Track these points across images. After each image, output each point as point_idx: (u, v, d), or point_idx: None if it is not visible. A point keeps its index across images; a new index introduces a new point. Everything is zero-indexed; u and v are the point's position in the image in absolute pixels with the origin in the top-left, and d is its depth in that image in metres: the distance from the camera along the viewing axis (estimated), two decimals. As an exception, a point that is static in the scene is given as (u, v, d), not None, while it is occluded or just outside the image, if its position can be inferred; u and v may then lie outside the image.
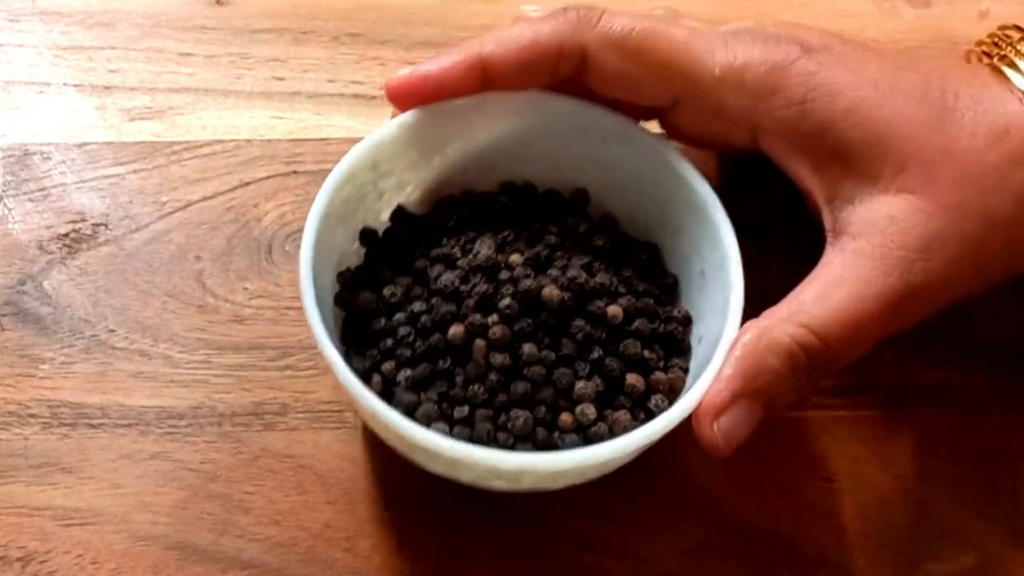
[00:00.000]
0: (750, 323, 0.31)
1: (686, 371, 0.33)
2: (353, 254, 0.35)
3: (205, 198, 0.40)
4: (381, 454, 0.35)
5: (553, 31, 0.34)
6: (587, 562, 0.34)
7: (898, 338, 0.38)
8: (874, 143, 0.32)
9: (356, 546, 0.34)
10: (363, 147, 0.34)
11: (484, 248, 0.33)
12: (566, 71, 0.34)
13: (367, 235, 0.35)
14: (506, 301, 0.32)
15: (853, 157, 0.32)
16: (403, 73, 0.34)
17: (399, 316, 0.33)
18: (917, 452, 0.36)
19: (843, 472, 0.35)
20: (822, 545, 0.34)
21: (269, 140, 0.41)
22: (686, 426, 0.35)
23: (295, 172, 0.40)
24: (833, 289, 0.31)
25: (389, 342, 0.32)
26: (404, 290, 0.33)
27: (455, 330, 0.32)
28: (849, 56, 0.34)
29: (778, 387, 0.30)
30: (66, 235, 0.39)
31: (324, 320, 0.30)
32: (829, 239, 0.33)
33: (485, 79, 0.34)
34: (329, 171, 0.33)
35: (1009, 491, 0.35)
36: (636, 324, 0.33)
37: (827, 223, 0.33)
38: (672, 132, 0.36)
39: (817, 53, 0.33)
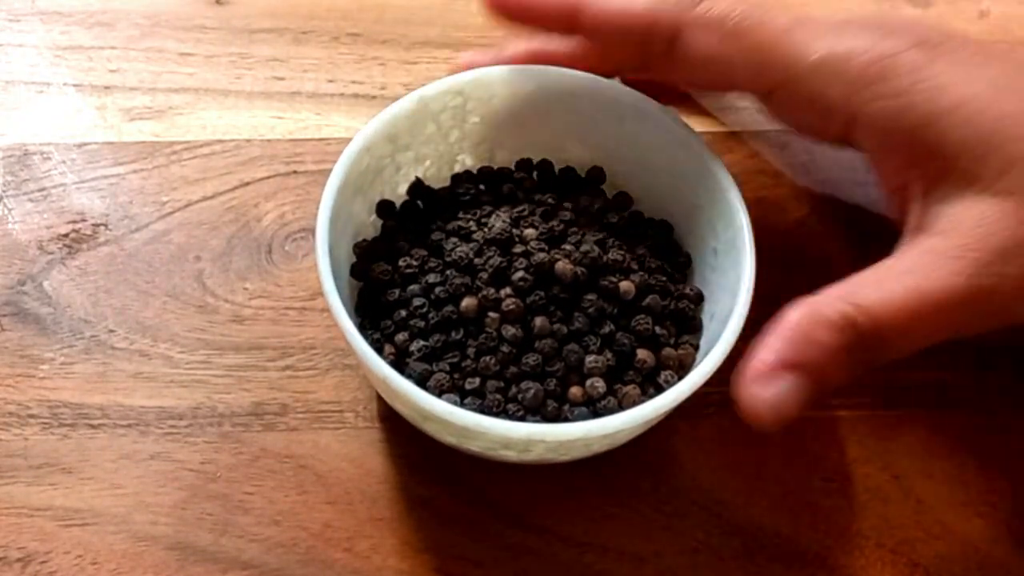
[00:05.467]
0: (800, 299, 0.30)
1: (696, 348, 0.34)
2: (370, 226, 0.36)
3: (205, 198, 0.40)
4: (381, 454, 0.35)
5: (653, 3, 0.33)
6: (587, 562, 0.34)
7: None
8: (979, 142, 0.30)
9: (356, 546, 0.34)
10: (381, 120, 0.34)
11: (499, 222, 0.34)
12: (657, 48, 0.33)
13: (384, 207, 0.36)
14: (519, 274, 0.32)
15: (955, 155, 0.30)
16: None
17: (413, 287, 0.33)
18: (917, 452, 0.36)
19: (843, 472, 0.35)
20: (822, 545, 0.34)
21: (269, 140, 0.41)
22: (687, 427, 0.36)
23: (295, 172, 0.41)
24: (894, 276, 0.30)
25: (403, 313, 0.33)
26: (419, 262, 0.34)
27: (468, 302, 0.32)
28: (967, 53, 0.32)
29: (829, 362, 0.29)
30: (66, 235, 0.39)
31: (339, 291, 0.31)
32: (909, 235, 0.32)
33: (575, 26, 0.33)
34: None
35: (1009, 491, 0.35)
36: (648, 300, 0.33)
37: (912, 220, 0.32)
38: (774, 118, 0.35)
39: (933, 47, 0.31)
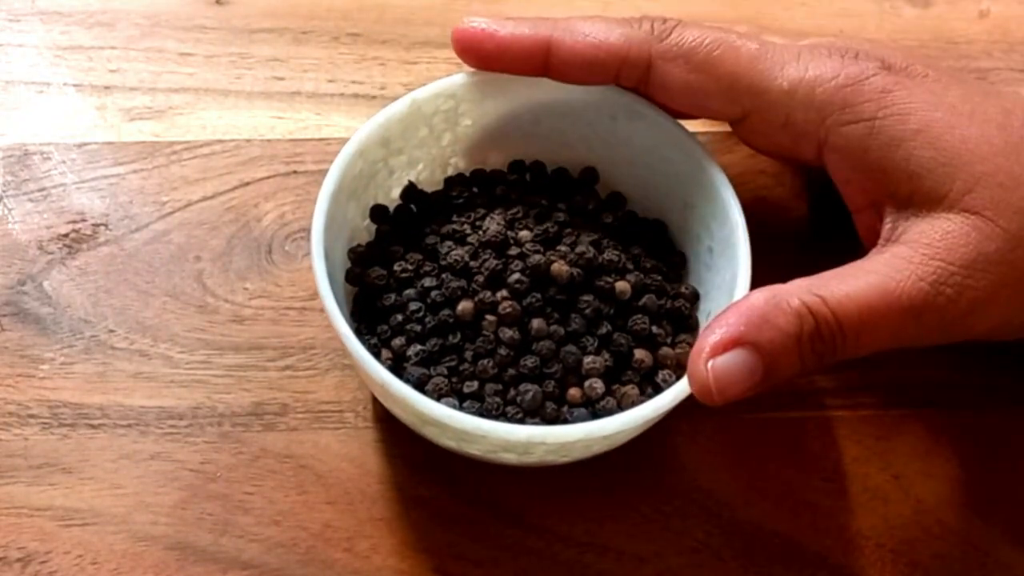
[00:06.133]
0: (764, 287, 0.30)
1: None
2: (364, 231, 0.36)
3: (205, 198, 0.40)
4: (381, 454, 0.35)
5: (623, 36, 0.33)
6: (587, 562, 0.34)
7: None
8: (944, 163, 0.31)
9: (356, 546, 0.34)
10: (374, 124, 0.34)
11: (493, 224, 0.34)
12: (630, 80, 0.34)
13: (378, 212, 0.36)
14: (515, 276, 0.32)
15: (921, 175, 0.31)
16: (474, 22, 0.34)
17: (409, 292, 0.33)
18: (917, 452, 0.36)
19: (843, 472, 0.35)
20: (822, 545, 0.34)
21: (269, 140, 0.41)
22: (687, 426, 0.36)
23: (295, 172, 0.40)
24: (860, 275, 0.31)
25: (399, 318, 0.33)
26: (414, 266, 0.34)
27: (464, 306, 0.32)
28: (931, 79, 0.33)
29: (782, 347, 0.29)
30: (66, 235, 0.39)
31: (335, 296, 0.31)
32: (878, 246, 0.33)
33: (546, 64, 0.34)
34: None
35: (1009, 491, 0.35)
36: (644, 300, 0.33)
37: (882, 237, 0.33)
38: (743, 141, 0.36)
39: (897, 72, 0.33)
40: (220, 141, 0.41)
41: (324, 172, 0.33)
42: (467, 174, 0.37)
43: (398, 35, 0.44)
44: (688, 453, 0.35)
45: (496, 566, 0.33)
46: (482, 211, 0.35)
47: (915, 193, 0.32)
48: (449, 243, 0.34)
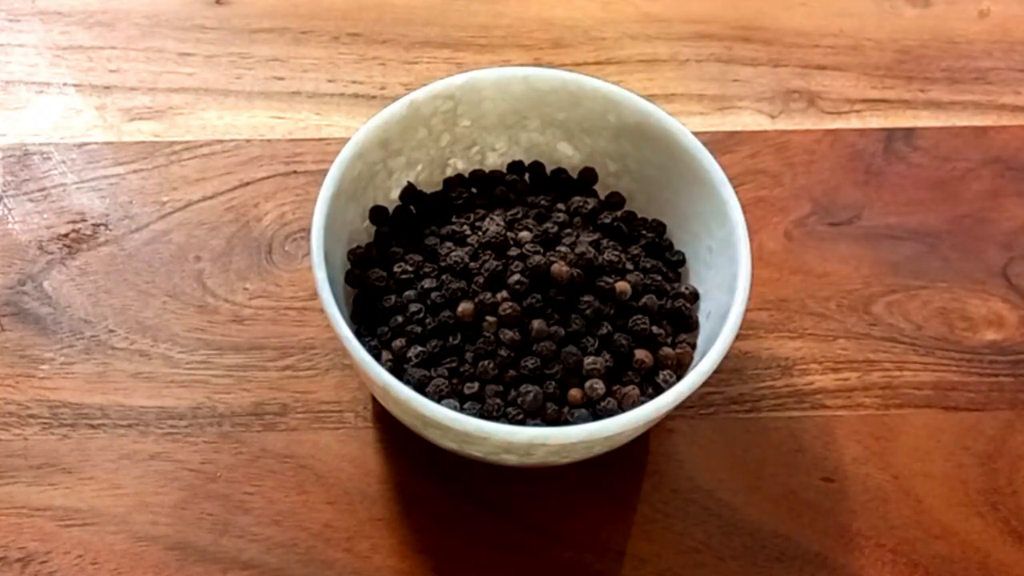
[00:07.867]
0: None
1: (694, 346, 0.34)
2: (363, 232, 0.36)
3: (205, 198, 0.40)
4: (381, 454, 0.35)
5: None
6: (587, 562, 0.34)
7: (898, 338, 0.38)
8: None
9: (356, 546, 0.33)
10: (372, 125, 0.34)
11: (493, 225, 0.34)
12: None
13: (377, 213, 0.36)
14: (515, 277, 0.32)
15: None
16: None
17: (409, 293, 0.33)
18: (917, 452, 0.36)
19: (843, 472, 0.35)
20: (822, 545, 0.34)
21: (269, 140, 0.41)
22: (687, 426, 0.36)
23: (295, 172, 0.41)
24: None
25: (399, 319, 0.33)
26: (414, 267, 0.33)
27: (465, 307, 0.32)
28: None
29: None
30: (66, 235, 0.39)
31: (335, 298, 0.31)
32: None
33: None
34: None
35: (1009, 491, 0.35)
36: (644, 300, 0.33)
37: None
38: None
39: None
40: (220, 141, 0.41)
41: (324, 172, 0.33)
42: (466, 175, 0.37)
43: (398, 35, 0.45)
44: (688, 453, 0.35)
45: (496, 566, 0.33)
46: (482, 212, 0.35)
47: None
48: (449, 244, 0.34)
